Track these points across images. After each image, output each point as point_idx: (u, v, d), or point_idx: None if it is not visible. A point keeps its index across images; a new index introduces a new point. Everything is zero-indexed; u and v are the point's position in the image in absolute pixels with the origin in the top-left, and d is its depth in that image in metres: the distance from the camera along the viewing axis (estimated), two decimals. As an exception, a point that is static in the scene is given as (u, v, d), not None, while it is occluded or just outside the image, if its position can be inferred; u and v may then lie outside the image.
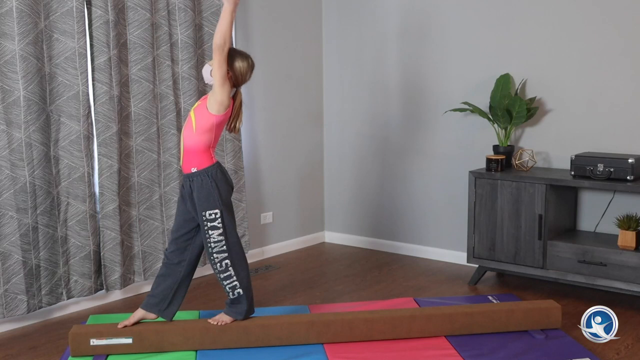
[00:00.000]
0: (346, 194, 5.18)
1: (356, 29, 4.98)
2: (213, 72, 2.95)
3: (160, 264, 4.00)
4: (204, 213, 3.03)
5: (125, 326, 3.07)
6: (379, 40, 4.87)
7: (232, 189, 3.16)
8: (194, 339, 3.06)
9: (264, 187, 4.83)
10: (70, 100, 3.56)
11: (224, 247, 3.06)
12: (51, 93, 3.52)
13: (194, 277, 4.36)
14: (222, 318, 3.13)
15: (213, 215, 3.03)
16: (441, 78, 4.59)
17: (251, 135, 4.71)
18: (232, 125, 3.12)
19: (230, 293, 3.11)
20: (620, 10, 3.90)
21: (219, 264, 3.08)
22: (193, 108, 3.06)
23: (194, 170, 3.04)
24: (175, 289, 3.17)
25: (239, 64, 3.02)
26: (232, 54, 3.01)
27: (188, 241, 3.16)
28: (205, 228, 3.05)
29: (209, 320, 3.14)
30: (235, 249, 3.10)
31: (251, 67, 3.06)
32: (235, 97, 3.08)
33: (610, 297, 3.83)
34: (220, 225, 3.05)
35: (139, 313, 3.15)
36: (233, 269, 3.09)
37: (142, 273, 3.95)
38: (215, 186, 3.03)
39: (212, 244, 3.06)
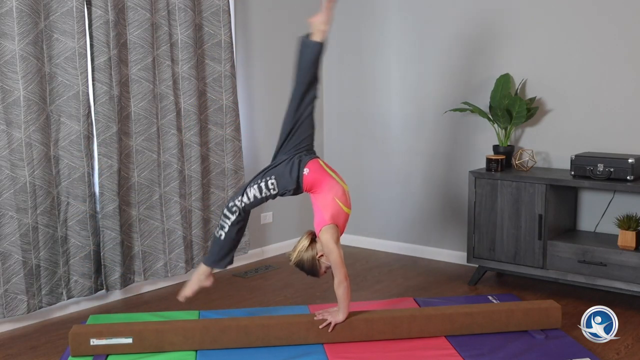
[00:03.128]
0: (346, 194, 5.18)
1: (356, 29, 4.98)
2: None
3: (161, 264, 4.01)
4: (268, 178, 3.17)
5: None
6: (379, 40, 4.87)
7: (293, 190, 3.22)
8: (194, 339, 3.06)
9: (264, 187, 4.83)
10: (70, 100, 3.56)
11: (239, 206, 3.17)
12: (51, 93, 3.52)
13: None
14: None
15: (269, 182, 3.17)
16: (441, 78, 4.59)
17: (251, 135, 4.71)
18: None
19: (217, 231, 3.26)
20: (620, 10, 3.90)
21: (227, 209, 3.20)
22: (347, 208, 3.16)
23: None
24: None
25: (309, 252, 3.13)
26: (308, 260, 3.13)
27: None
28: (258, 178, 3.18)
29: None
30: (238, 219, 3.20)
31: (293, 254, 3.17)
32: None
33: (610, 297, 3.83)
34: (264, 192, 3.16)
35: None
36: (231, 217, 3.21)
37: (142, 273, 3.95)
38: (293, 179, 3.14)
39: (247, 192, 3.18)
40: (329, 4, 3.08)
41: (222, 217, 3.24)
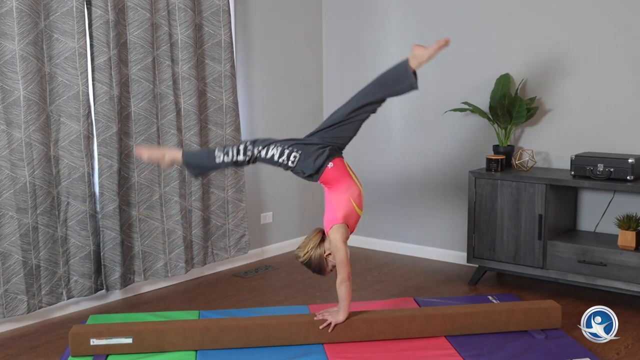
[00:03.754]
0: (346, 194, 5.18)
1: (356, 29, 4.98)
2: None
3: (161, 264, 4.01)
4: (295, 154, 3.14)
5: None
6: (379, 40, 4.87)
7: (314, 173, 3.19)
8: (194, 339, 3.06)
9: (264, 187, 4.83)
10: (70, 100, 3.56)
11: (254, 153, 3.17)
12: (51, 93, 3.52)
13: (193, 277, 4.37)
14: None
15: (291, 157, 3.14)
16: (441, 78, 4.59)
17: (251, 135, 4.70)
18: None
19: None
20: (620, 10, 3.90)
21: (243, 146, 3.18)
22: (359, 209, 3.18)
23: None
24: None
25: (317, 251, 3.14)
26: (315, 258, 3.14)
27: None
28: (284, 147, 3.15)
29: None
30: (242, 161, 3.19)
31: (302, 249, 3.18)
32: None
33: (610, 297, 3.83)
34: (283, 159, 3.14)
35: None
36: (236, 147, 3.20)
37: (142, 273, 3.95)
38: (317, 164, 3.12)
39: (277, 155, 3.16)
40: (439, 46, 3.10)
41: (232, 147, 3.18)
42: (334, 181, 3.14)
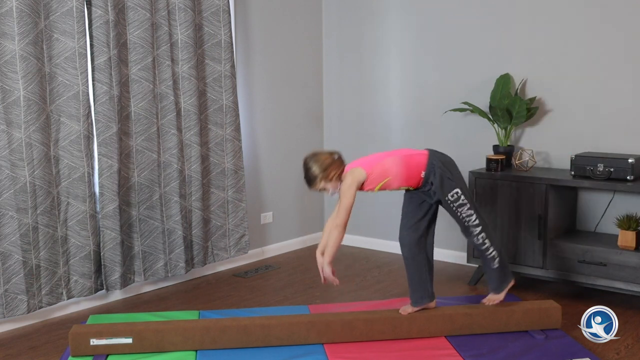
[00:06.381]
0: (346, 194, 5.18)
1: (356, 29, 4.98)
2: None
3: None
4: (447, 197, 3.13)
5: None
6: (379, 40, 4.87)
7: (455, 163, 3.23)
8: (194, 339, 3.06)
9: (264, 187, 4.83)
10: (70, 100, 3.56)
11: (476, 220, 3.17)
12: (51, 93, 3.52)
13: (193, 277, 4.38)
14: (494, 297, 3.28)
15: (455, 195, 3.12)
16: (441, 78, 4.59)
17: (251, 135, 4.71)
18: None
19: (492, 263, 3.23)
20: (620, 10, 3.90)
21: (477, 237, 3.19)
22: (373, 192, 3.21)
23: (423, 174, 3.15)
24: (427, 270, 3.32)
25: (325, 163, 3.10)
26: (319, 171, 3.10)
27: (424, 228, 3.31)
28: (454, 208, 3.15)
29: (483, 301, 3.31)
30: (484, 218, 3.23)
31: (318, 155, 3.14)
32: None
33: (610, 297, 3.83)
34: (465, 201, 3.14)
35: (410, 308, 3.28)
36: (489, 239, 3.20)
37: (142, 273, 3.95)
38: (443, 170, 3.13)
39: (465, 219, 3.16)
40: (497, 298, 3.29)
41: (484, 251, 3.22)
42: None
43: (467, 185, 3.25)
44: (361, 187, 3.12)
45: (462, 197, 3.13)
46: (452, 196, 3.12)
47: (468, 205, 3.14)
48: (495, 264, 3.23)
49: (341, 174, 3.12)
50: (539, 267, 3.86)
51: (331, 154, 3.15)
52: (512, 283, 3.30)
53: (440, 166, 3.14)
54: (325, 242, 3.13)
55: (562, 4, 4.09)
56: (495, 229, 3.99)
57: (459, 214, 3.16)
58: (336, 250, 3.11)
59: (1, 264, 3.36)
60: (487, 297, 3.31)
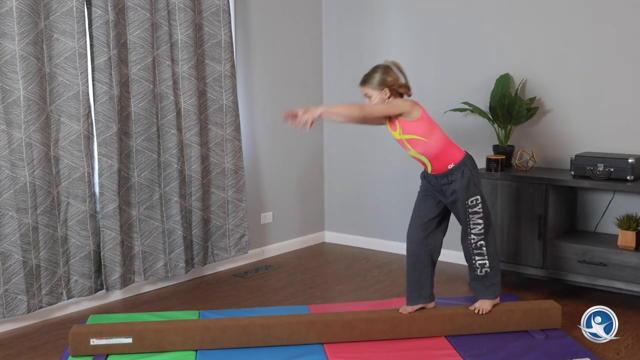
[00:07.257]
0: (346, 194, 5.18)
1: (356, 29, 4.98)
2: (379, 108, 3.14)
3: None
4: (466, 201, 3.18)
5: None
6: (379, 40, 4.87)
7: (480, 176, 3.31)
8: (194, 339, 3.06)
9: (264, 187, 4.83)
10: (70, 100, 3.56)
11: (482, 230, 3.22)
12: (51, 93, 3.52)
13: (193, 277, 4.38)
14: (482, 305, 3.27)
15: (474, 202, 3.18)
16: (441, 78, 4.59)
17: (251, 135, 4.71)
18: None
19: (478, 270, 3.28)
20: (620, 10, 3.90)
21: (474, 244, 3.24)
22: (398, 133, 3.22)
23: (451, 166, 3.18)
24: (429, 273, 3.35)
25: (389, 78, 3.14)
26: (380, 79, 3.13)
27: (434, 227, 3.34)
28: (468, 213, 3.19)
29: (470, 307, 3.29)
30: (491, 231, 3.27)
31: (391, 69, 3.17)
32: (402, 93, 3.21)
33: (610, 297, 3.83)
34: (480, 210, 3.20)
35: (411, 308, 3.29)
36: (486, 249, 3.26)
37: (142, 273, 3.95)
38: (472, 175, 3.19)
39: (471, 225, 3.22)
40: (483, 307, 3.29)
41: (476, 255, 3.28)
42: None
43: None
44: (399, 120, 3.15)
45: (480, 205, 3.20)
46: (472, 202, 3.19)
47: (480, 214, 3.20)
48: (481, 272, 3.28)
49: (393, 97, 3.16)
50: (539, 267, 3.86)
51: (403, 83, 3.19)
52: (496, 300, 3.32)
53: (471, 169, 3.20)
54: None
55: (562, 4, 4.09)
56: (495, 229, 3.99)
57: (469, 219, 3.21)
58: (338, 114, 3.11)
59: (1, 264, 3.36)
60: (474, 305, 3.31)
